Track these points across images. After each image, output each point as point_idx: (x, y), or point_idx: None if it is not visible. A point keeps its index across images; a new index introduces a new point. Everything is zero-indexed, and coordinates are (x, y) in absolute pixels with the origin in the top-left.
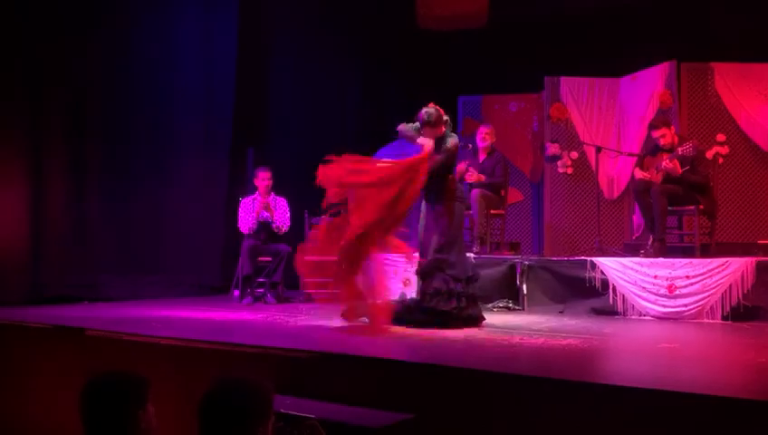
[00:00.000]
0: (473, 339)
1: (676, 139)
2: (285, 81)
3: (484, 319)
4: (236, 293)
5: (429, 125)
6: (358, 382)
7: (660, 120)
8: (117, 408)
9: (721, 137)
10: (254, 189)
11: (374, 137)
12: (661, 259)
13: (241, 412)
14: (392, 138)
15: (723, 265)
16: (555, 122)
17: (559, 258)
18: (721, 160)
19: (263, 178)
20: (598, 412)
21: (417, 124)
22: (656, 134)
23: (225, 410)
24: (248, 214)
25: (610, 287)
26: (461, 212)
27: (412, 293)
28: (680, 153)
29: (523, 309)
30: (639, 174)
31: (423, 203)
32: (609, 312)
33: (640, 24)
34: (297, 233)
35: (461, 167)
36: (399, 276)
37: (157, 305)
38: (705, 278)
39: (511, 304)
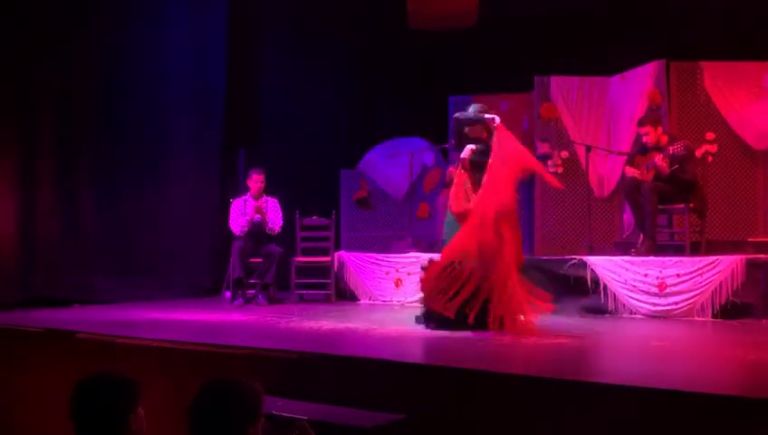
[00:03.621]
0: (465, 339)
1: (663, 138)
2: (276, 81)
3: None
4: (228, 294)
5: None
6: (349, 383)
7: (649, 117)
8: (108, 411)
9: (710, 135)
10: (245, 190)
11: (366, 137)
12: (652, 258)
13: (231, 414)
14: (384, 138)
15: (713, 262)
16: (545, 122)
17: (550, 257)
18: (710, 159)
19: (256, 181)
20: (589, 411)
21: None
22: (641, 130)
23: (215, 411)
24: (239, 215)
25: (601, 286)
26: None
27: (406, 295)
28: (671, 152)
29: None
30: (630, 172)
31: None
32: (601, 310)
33: (630, 23)
34: (288, 234)
35: (451, 170)
36: (392, 277)
37: (148, 308)
38: (695, 276)
39: None
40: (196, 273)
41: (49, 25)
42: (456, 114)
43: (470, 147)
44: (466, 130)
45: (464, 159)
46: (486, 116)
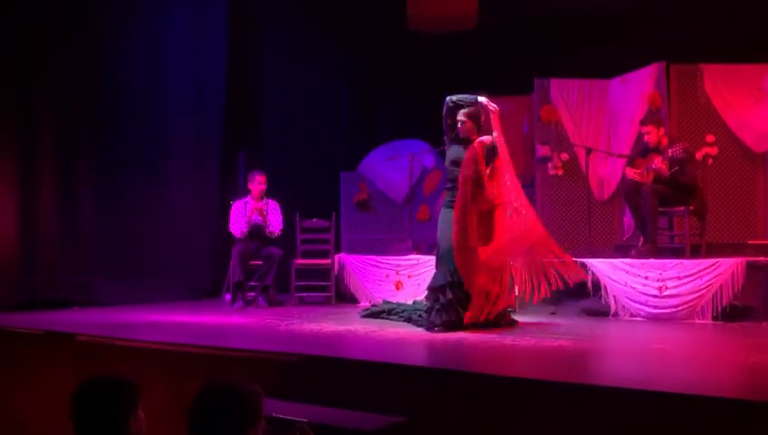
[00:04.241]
0: (465, 341)
1: (664, 139)
2: (276, 82)
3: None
4: (228, 296)
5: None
6: (349, 386)
7: (651, 118)
8: (108, 413)
9: (710, 138)
10: (245, 192)
11: (366, 138)
12: (652, 260)
13: (230, 417)
14: (384, 140)
15: (713, 265)
16: (545, 124)
17: (550, 259)
18: (710, 161)
19: (259, 182)
20: (589, 413)
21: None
22: (642, 130)
23: (215, 414)
24: (240, 217)
25: (602, 288)
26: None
27: (407, 297)
28: (670, 155)
29: (515, 310)
30: (630, 175)
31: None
32: (601, 313)
33: (630, 25)
34: (288, 236)
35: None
36: (392, 279)
37: (148, 310)
38: (695, 279)
39: None
40: (195, 275)
41: (49, 25)
42: (449, 97)
43: (488, 137)
44: (459, 125)
45: (486, 144)
46: (479, 99)
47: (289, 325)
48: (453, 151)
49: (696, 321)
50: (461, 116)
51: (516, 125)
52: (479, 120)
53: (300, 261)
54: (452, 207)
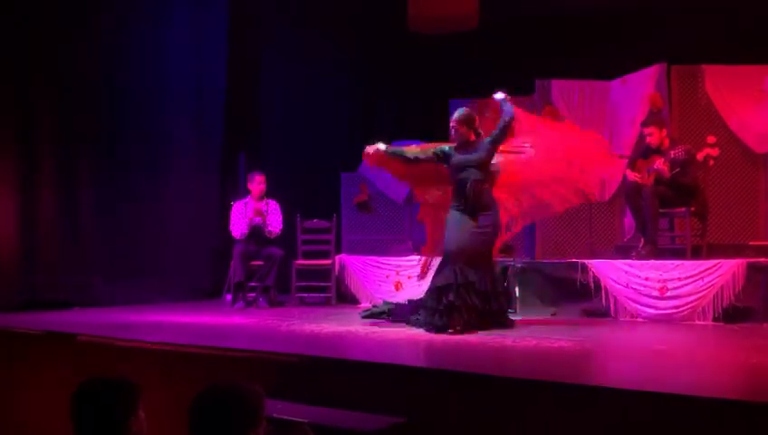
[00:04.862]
0: (465, 342)
1: (666, 141)
2: (276, 82)
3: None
4: (228, 297)
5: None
6: (350, 386)
7: (654, 119)
8: (108, 414)
9: (711, 139)
10: (246, 194)
11: (366, 139)
12: (652, 261)
13: (231, 418)
14: (384, 141)
15: (714, 266)
16: None
17: (550, 261)
18: (711, 162)
19: (258, 183)
20: (590, 414)
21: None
22: (645, 131)
23: (216, 415)
24: (240, 218)
25: (602, 289)
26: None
27: (404, 298)
28: (672, 156)
29: (516, 312)
30: (631, 176)
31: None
32: (601, 314)
33: (630, 26)
34: (289, 237)
35: None
36: (392, 280)
37: (148, 310)
38: (696, 280)
39: None
40: (196, 275)
41: (49, 25)
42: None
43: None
44: (452, 132)
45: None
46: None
47: (289, 326)
48: (456, 157)
49: (697, 322)
50: (452, 123)
51: None
52: (473, 123)
53: (300, 262)
54: (459, 210)
